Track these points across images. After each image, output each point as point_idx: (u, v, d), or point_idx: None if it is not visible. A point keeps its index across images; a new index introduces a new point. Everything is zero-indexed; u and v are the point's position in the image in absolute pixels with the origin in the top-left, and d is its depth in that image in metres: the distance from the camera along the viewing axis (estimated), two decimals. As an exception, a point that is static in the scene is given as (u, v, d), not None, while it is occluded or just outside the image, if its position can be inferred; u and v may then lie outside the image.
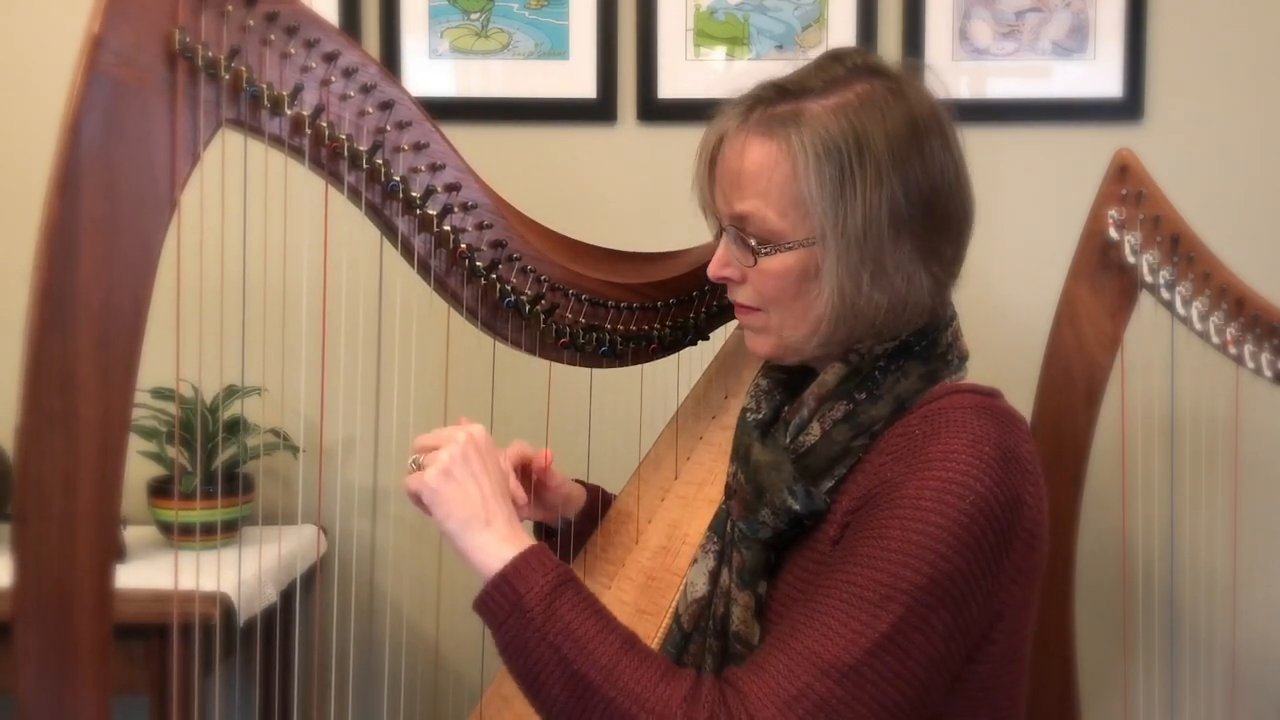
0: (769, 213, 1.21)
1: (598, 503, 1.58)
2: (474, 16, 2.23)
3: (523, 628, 1.14)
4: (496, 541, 1.19)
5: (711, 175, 1.28)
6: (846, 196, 1.18)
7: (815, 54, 1.32)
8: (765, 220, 1.21)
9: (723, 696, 1.12)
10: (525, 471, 1.47)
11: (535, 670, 1.14)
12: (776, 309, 1.25)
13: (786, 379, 1.33)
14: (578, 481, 1.58)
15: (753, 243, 1.23)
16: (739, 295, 1.29)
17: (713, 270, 1.29)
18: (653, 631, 1.36)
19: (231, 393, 2.01)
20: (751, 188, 1.22)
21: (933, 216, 1.21)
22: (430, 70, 2.23)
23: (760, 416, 1.31)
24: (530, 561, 1.18)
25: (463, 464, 1.22)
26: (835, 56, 1.26)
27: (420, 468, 1.25)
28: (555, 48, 2.23)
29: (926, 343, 1.25)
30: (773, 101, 1.22)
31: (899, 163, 1.18)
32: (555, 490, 1.52)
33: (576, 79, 2.23)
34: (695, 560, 1.34)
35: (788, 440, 1.25)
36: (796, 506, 1.21)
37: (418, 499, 1.25)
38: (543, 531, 1.60)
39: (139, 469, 2.01)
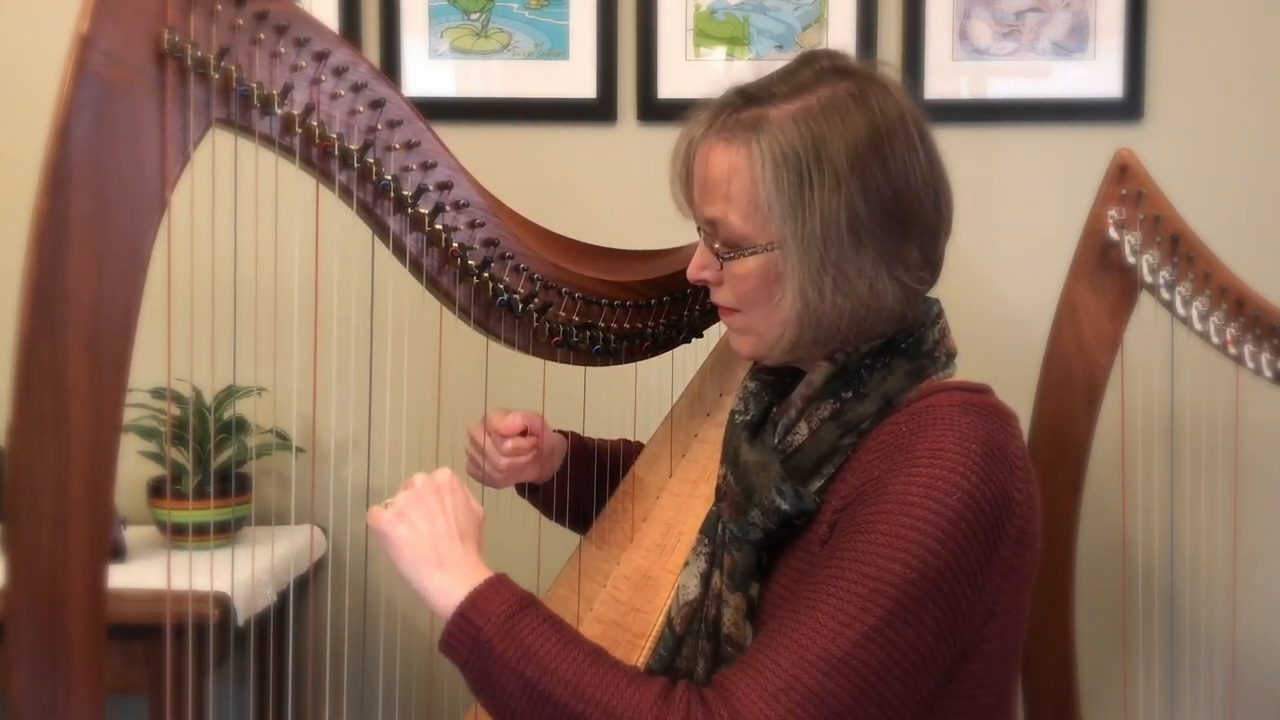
0: (733, 218, 1.22)
1: (582, 448, 1.63)
2: (474, 16, 2.23)
3: (484, 658, 1.15)
4: (451, 582, 1.19)
5: (686, 180, 1.29)
6: (806, 202, 1.17)
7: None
8: (731, 225, 1.22)
9: (700, 696, 1.11)
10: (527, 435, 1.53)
11: (503, 699, 1.14)
12: (751, 310, 1.26)
13: (775, 380, 1.34)
14: (557, 431, 1.62)
15: (718, 247, 1.24)
16: (718, 296, 1.30)
17: (691, 272, 1.31)
18: (647, 630, 1.36)
19: (230, 393, 2.02)
20: (716, 193, 1.23)
21: (895, 221, 1.20)
22: (430, 70, 2.23)
23: (749, 418, 1.31)
24: (487, 594, 1.18)
25: (416, 506, 1.23)
26: (806, 59, 1.25)
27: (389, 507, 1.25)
28: (555, 48, 2.23)
29: (913, 340, 1.25)
30: (738, 107, 1.23)
31: (857, 169, 1.18)
32: (546, 449, 1.57)
33: (576, 79, 2.23)
34: (687, 563, 1.34)
35: (776, 441, 1.25)
36: (785, 506, 1.21)
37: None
38: (525, 490, 1.63)
39: (139, 469, 2.01)
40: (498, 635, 1.14)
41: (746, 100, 1.23)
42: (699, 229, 1.29)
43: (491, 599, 1.17)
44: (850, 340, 1.23)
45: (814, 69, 1.23)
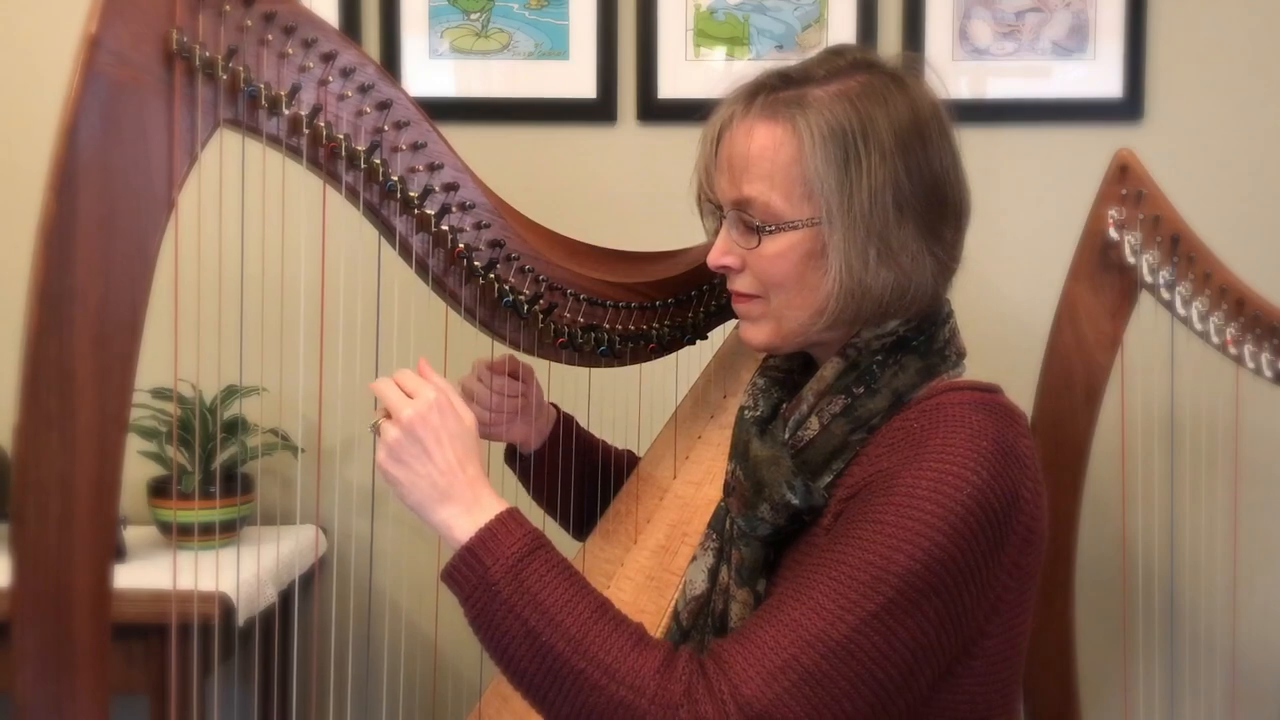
0: (773, 195, 1.23)
1: (578, 433, 1.62)
2: (474, 16, 2.23)
3: (489, 601, 1.13)
4: (458, 515, 1.18)
5: (715, 161, 1.29)
6: (852, 175, 1.20)
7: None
8: (769, 202, 1.23)
9: (701, 668, 1.11)
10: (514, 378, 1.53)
11: (504, 643, 1.13)
12: (778, 293, 1.26)
13: (784, 377, 1.34)
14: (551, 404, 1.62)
15: (756, 223, 1.24)
16: (739, 284, 1.30)
17: (712, 259, 1.30)
18: (652, 630, 1.36)
19: (231, 393, 2.02)
20: (756, 170, 1.24)
21: (934, 200, 1.23)
22: (430, 70, 2.23)
23: (758, 413, 1.31)
24: (497, 532, 1.17)
25: (409, 447, 1.20)
26: (836, 51, 1.29)
27: (377, 432, 1.23)
28: (555, 48, 2.23)
29: (924, 338, 1.26)
30: (777, 88, 1.25)
31: (902, 147, 1.21)
32: (535, 403, 1.56)
33: (576, 79, 2.23)
34: (695, 558, 1.34)
35: (786, 436, 1.25)
36: (795, 501, 1.21)
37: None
38: (513, 459, 1.62)
39: (139, 469, 2.01)
40: (505, 578, 1.13)
41: (785, 81, 1.25)
42: (722, 214, 1.29)
43: (501, 538, 1.16)
44: (884, 317, 1.24)
45: (846, 59, 1.27)
